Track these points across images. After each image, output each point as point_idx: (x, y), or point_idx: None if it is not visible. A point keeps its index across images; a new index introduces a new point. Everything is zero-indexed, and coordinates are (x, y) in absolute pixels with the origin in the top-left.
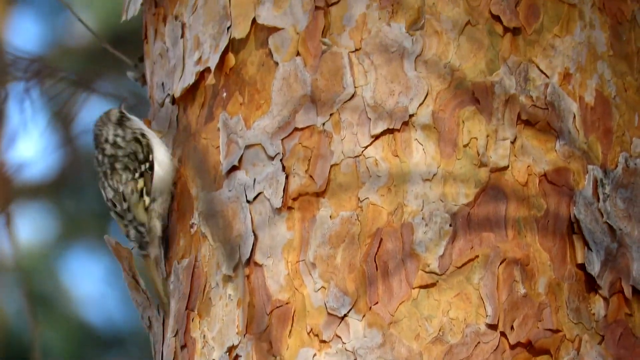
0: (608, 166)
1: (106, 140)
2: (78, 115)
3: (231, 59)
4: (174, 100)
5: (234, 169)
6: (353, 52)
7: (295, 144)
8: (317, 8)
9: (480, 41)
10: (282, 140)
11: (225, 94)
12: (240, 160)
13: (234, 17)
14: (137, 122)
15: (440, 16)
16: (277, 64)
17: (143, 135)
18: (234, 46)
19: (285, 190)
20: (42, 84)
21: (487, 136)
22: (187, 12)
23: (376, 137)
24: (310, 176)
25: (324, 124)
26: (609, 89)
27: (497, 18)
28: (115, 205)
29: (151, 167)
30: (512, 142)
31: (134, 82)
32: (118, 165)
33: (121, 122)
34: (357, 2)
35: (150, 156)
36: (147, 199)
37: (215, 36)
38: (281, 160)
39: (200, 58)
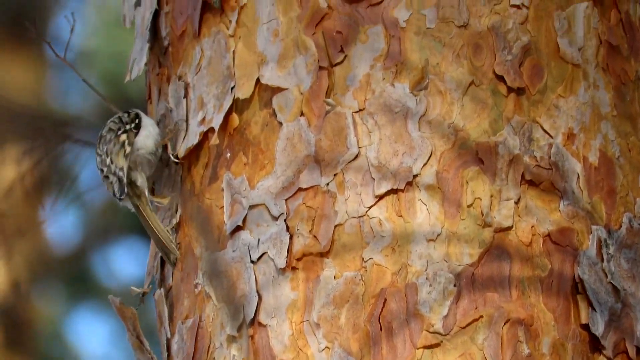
0: (612, 226)
1: (104, 127)
2: (81, 173)
3: (235, 119)
4: (177, 161)
5: (238, 229)
6: (357, 112)
7: (299, 204)
8: (320, 68)
9: (484, 101)
10: (286, 200)
11: (229, 154)
12: (244, 221)
13: (238, 77)
14: (146, 120)
15: (444, 76)
16: (281, 124)
17: (134, 111)
18: (237, 106)
19: (289, 250)
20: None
21: (491, 196)
22: (191, 72)
23: (380, 197)
24: (314, 236)
25: (327, 184)
26: (612, 149)
27: (501, 78)
28: (102, 170)
29: (136, 127)
30: (516, 203)
31: None
32: (104, 132)
33: (130, 123)
34: (361, 63)
35: (137, 120)
36: (127, 148)
37: (219, 96)
38: (285, 220)
39: (204, 118)
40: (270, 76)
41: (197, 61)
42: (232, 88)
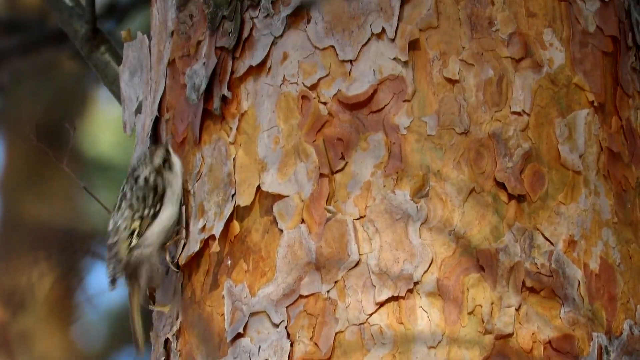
0: (613, 333)
1: (136, 178)
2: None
3: (236, 226)
4: (178, 268)
5: (238, 336)
6: (358, 219)
7: (300, 311)
8: (321, 175)
9: (485, 208)
10: (287, 307)
11: (229, 262)
12: (244, 328)
13: (239, 184)
14: (176, 168)
15: (445, 183)
16: (281, 231)
17: (164, 189)
18: (238, 213)
19: (290, 357)
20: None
21: (492, 303)
22: (192, 179)
23: (381, 305)
24: (315, 343)
25: (328, 291)
26: (613, 256)
27: (501, 185)
28: (109, 238)
29: (154, 216)
30: (517, 309)
31: None
32: (124, 203)
33: (160, 169)
34: (362, 170)
35: (159, 207)
36: (134, 241)
37: (220, 203)
38: (286, 327)
39: (204, 226)
40: (271, 183)
41: (197, 168)
42: (232, 195)
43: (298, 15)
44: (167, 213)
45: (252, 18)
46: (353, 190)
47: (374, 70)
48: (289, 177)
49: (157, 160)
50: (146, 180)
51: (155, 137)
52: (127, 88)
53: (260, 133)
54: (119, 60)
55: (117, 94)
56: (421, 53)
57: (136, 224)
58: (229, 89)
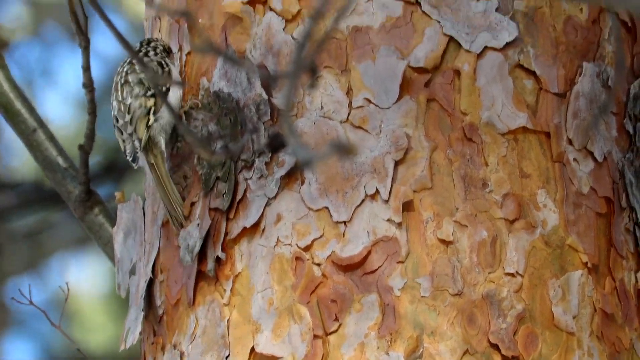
0: None
1: (130, 61)
2: None
3: None
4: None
5: None
6: None
7: None
8: (315, 337)
9: None
10: None
11: None
12: None
13: (233, 345)
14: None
15: (439, 344)
16: None
17: (167, 65)
18: None
19: None
20: None
21: None
22: (186, 341)
23: None
24: None
25: None
26: None
27: (495, 347)
28: (117, 120)
29: (166, 92)
30: None
31: None
32: (131, 78)
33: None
34: (356, 331)
35: (169, 83)
36: (152, 118)
37: None
38: None
39: None
40: (265, 345)
41: (191, 330)
42: (227, 357)
43: (292, 177)
44: (175, 92)
45: (246, 179)
46: (347, 352)
47: (367, 232)
48: (282, 338)
49: (158, 48)
50: (147, 53)
51: (149, 298)
52: (121, 249)
53: (254, 294)
54: (113, 221)
55: (111, 256)
56: (415, 214)
57: (151, 101)
58: (223, 250)
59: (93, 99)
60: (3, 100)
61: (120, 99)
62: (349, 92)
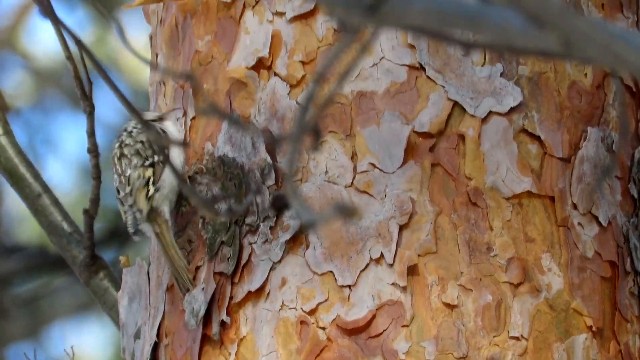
0: None
1: (125, 130)
2: None
3: None
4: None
5: None
6: None
7: None
8: None
9: None
10: None
11: None
12: None
13: None
14: (172, 127)
15: None
16: None
17: (164, 131)
18: None
19: None
20: None
21: None
22: None
23: None
24: None
25: None
26: None
27: None
28: (118, 192)
29: (164, 162)
30: None
31: None
32: (127, 151)
33: (148, 122)
34: None
35: (167, 152)
36: (151, 189)
37: None
38: None
39: None
40: None
41: None
42: None
43: (297, 241)
44: (176, 152)
45: (250, 243)
46: None
47: (372, 296)
48: None
49: (149, 116)
50: (136, 127)
51: None
52: (126, 313)
53: (259, 358)
54: (117, 286)
55: (116, 320)
56: (420, 278)
57: (149, 171)
58: (227, 314)
59: (97, 164)
60: (8, 165)
61: (120, 171)
62: (353, 156)
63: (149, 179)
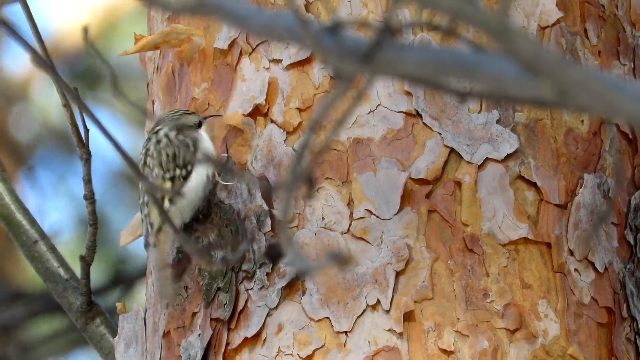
0: None
1: (155, 133)
2: None
3: None
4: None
5: None
6: None
7: None
8: None
9: None
10: None
11: None
12: None
13: None
14: (205, 141)
15: None
16: None
17: (195, 144)
18: None
19: None
20: None
21: None
22: None
23: None
24: None
25: None
26: None
27: None
28: (139, 198)
29: (185, 177)
30: None
31: None
32: (150, 161)
33: (183, 128)
34: None
35: (190, 167)
36: (167, 203)
37: None
38: None
39: None
40: None
41: None
42: None
43: (293, 287)
44: (200, 173)
45: (247, 290)
46: None
47: (369, 342)
48: None
49: (189, 121)
50: (167, 136)
51: None
52: None
53: None
54: (114, 332)
55: None
56: (416, 324)
57: (168, 185)
58: None
59: (94, 211)
60: (4, 212)
61: (146, 166)
62: (350, 203)
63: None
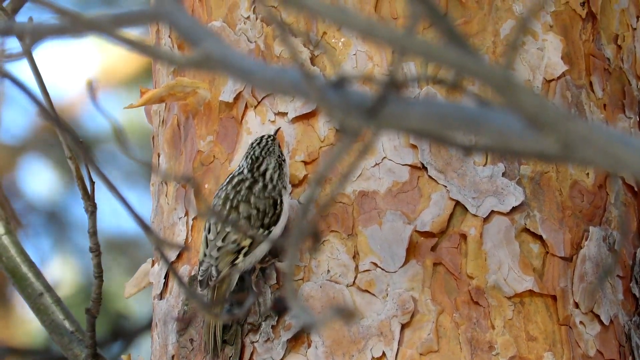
0: None
1: (260, 172)
2: None
3: None
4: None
5: None
6: None
7: None
8: None
9: None
10: None
11: None
12: None
13: None
14: (286, 178)
15: None
16: None
17: (281, 205)
18: None
19: None
20: None
21: None
22: None
23: None
24: None
25: None
26: None
27: None
28: (209, 231)
29: (267, 234)
30: None
31: None
32: (241, 208)
33: (281, 166)
34: None
35: (272, 229)
36: (240, 259)
37: None
38: None
39: None
40: None
41: None
42: None
43: (298, 340)
44: (276, 232)
45: (252, 342)
46: None
47: None
48: None
49: (277, 151)
50: (271, 179)
51: None
52: None
53: None
54: None
55: None
56: None
57: (247, 242)
58: None
59: (99, 263)
60: (10, 264)
61: (222, 217)
62: (355, 256)
63: (242, 248)
